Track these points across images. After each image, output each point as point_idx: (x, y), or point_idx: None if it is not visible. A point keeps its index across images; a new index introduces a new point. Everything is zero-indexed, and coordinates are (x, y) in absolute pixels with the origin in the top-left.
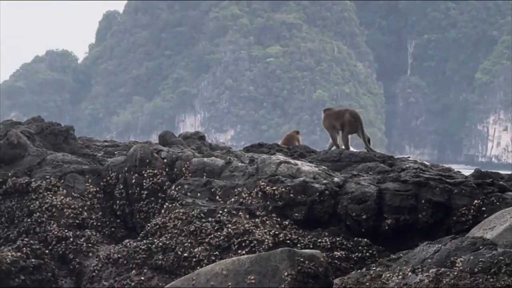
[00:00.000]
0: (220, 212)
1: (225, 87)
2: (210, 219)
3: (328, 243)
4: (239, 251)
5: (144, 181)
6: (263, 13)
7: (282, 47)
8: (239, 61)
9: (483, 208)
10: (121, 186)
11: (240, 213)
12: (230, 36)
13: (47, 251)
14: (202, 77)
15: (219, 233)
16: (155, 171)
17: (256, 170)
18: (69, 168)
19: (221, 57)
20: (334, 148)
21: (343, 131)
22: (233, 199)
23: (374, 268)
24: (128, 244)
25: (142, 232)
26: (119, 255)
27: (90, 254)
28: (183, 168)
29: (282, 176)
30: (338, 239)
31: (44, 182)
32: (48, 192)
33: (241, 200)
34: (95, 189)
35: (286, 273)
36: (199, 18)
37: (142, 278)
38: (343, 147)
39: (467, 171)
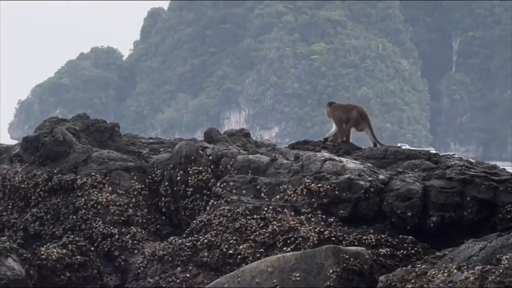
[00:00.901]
0: (265, 209)
1: (269, 84)
2: (255, 216)
3: (373, 240)
4: (284, 248)
5: (189, 178)
6: (307, 10)
7: (326, 44)
8: (283, 58)
9: None
10: (166, 183)
11: (285, 210)
12: (275, 33)
13: (92, 248)
14: (247, 74)
15: (264, 230)
16: (200, 168)
17: (301, 167)
18: (115, 165)
19: (266, 54)
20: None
21: (347, 125)
22: (278, 196)
23: (419, 265)
24: (173, 241)
25: (187, 229)
26: (164, 252)
27: (135, 251)
28: (228, 165)
29: (327, 173)
30: (383, 236)
31: (89, 179)
32: (94, 189)
33: (286, 197)
34: (140, 186)
35: (331, 270)
36: (244, 15)
37: (187, 275)
38: (344, 138)
39: None
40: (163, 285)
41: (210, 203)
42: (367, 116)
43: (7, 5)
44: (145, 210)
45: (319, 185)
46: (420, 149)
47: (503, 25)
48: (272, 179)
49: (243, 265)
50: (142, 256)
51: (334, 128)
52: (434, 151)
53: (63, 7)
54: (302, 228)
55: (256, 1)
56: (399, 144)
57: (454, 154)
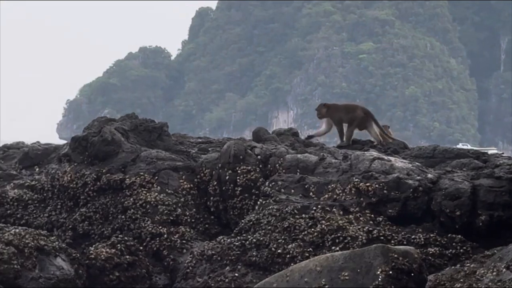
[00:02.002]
0: (314, 208)
1: (317, 83)
2: (303, 215)
3: (422, 239)
4: (333, 248)
5: (238, 177)
6: (355, 10)
7: (374, 44)
8: (331, 57)
9: None
10: (215, 183)
11: (334, 209)
12: (323, 33)
13: (141, 248)
14: (295, 74)
15: (312, 229)
16: (249, 167)
17: (350, 166)
18: (163, 164)
19: (314, 54)
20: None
21: (351, 126)
22: (326, 196)
23: (468, 264)
24: (222, 240)
25: (236, 229)
26: (213, 252)
27: (184, 250)
28: (277, 165)
29: (375, 172)
30: (431, 235)
31: (138, 178)
32: (142, 189)
33: (335, 196)
34: (189, 185)
35: (380, 270)
36: (292, 14)
37: (236, 274)
38: (345, 140)
39: None
40: (212, 285)
41: (258, 203)
42: (372, 114)
43: (53, 5)
44: (194, 209)
45: (368, 184)
46: (482, 149)
47: None
48: (320, 178)
49: (292, 264)
50: (191, 255)
51: (324, 127)
52: (495, 151)
53: (111, 7)
54: (351, 227)
55: (304, 1)
56: (460, 144)
57: (502, 153)
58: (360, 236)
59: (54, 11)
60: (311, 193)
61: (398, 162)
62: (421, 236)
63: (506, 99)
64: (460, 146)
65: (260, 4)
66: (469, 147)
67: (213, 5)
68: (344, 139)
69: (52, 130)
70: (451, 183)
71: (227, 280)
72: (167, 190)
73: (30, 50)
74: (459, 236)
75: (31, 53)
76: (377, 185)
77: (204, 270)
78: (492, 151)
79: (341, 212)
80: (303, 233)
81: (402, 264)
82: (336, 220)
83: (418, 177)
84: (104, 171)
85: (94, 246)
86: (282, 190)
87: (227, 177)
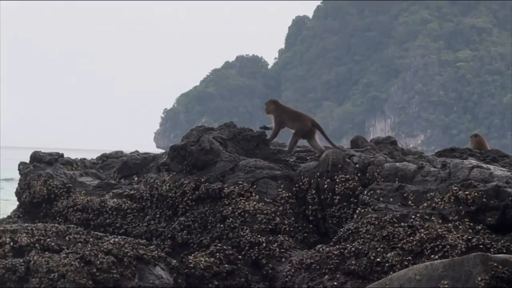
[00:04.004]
0: (413, 217)
1: (415, 91)
2: (402, 224)
3: None
4: (432, 256)
5: (336, 186)
6: (452, 17)
7: (472, 51)
8: (428, 65)
9: None
10: (314, 192)
11: (433, 218)
12: (420, 41)
13: (240, 257)
14: (392, 82)
15: (411, 238)
16: (347, 176)
17: (449, 174)
18: (262, 173)
19: (411, 62)
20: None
21: (296, 135)
22: (425, 204)
23: None
24: (320, 249)
25: (335, 237)
26: (312, 260)
27: (283, 259)
28: (375, 173)
29: (474, 180)
30: None
31: (236, 187)
32: (241, 198)
33: (434, 205)
34: (287, 194)
35: (479, 278)
36: (389, 22)
37: (335, 283)
38: (288, 148)
39: None
40: None
41: (357, 211)
42: (321, 128)
43: (149, 16)
44: (292, 218)
45: (467, 192)
46: None
47: None
48: (419, 187)
49: (391, 273)
50: (290, 264)
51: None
52: None
53: (208, 16)
54: (450, 236)
55: (401, 9)
56: None
57: None
58: (459, 245)
59: (150, 21)
60: (409, 202)
61: (497, 170)
62: None
63: None
64: None
65: (356, 12)
66: None
67: (310, 13)
68: (288, 147)
69: (150, 139)
70: None
71: None
72: (265, 199)
73: (129, 61)
74: None
75: (128, 63)
76: (476, 194)
77: (303, 278)
78: None
79: (440, 221)
80: (402, 242)
81: (502, 273)
82: (435, 228)
83: None
84: (202, 180)
85: (193, 255)
86: (381, 198)
87: (325, 186)
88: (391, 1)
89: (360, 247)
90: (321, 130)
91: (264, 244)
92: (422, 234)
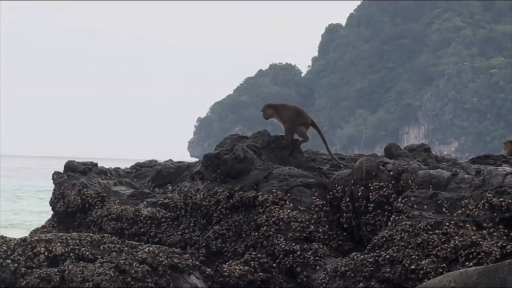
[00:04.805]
0: (447, 224)
1: (448, 99)
2: (437, 231)
3: None
4: (466, 263)
5: (371, 193)
6: (485, 24)
7: (505, 58)
8: (462, 72)
9: None
10: (348, 199)
11: (467, 225)
12: (453, 48)
13: (274, 265)
14: (425, 89)
15: (446, 245)
16: (381, 183)
17: (483, 181)
18: (296, 181)
19: (444, 69)
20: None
21: (299, 128)
22: (459, 211)
23: None
24: (355, 257)
25: (369, 245)
26: (346, 268)
27: (318, 267)
28: (409, 180)
29: (508, 187)
30: None
31: (271, 196)
32: (275, 206)
33: (468, 212)
34: (321, 202)
35: None
36: (422, 30)
37: None
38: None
39: None
40: None
41: (391, 219)
42: (319, 128)
43: (184, 27)
44: (327, 226)
45: (501, 199)
46: None
47: None
48: (453, 194)
49: (425, 280)
50: (324, 272)
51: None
52: None
53: (241, 25)
54: (484, 243)
55: (433, 16)
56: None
57: None
58: (494, 252)
59: (182, 31)
60: (444, 209)
61: None
62: None
63: None
64: None
65: (389, 20)
66: None
67: (343, 21)
68: (301, 137)
69: (183, 148)
70: None
71: None
72: (299, 207)
73: (163, 70)
74: None
75: (162, 72)
76: (510, 200)
77: (338, 286)
78: None
79: (474, 228)
80: (436, 249)
81: None
82: (469, 235)
83: None
84: (236, 188)
85: (227, 263)
86: (415, 206)
87: (359, 194)
88: (423, 8)
89: (394, 255)
90: (318, 131)
91: (298, 252)
92: (457, 241)
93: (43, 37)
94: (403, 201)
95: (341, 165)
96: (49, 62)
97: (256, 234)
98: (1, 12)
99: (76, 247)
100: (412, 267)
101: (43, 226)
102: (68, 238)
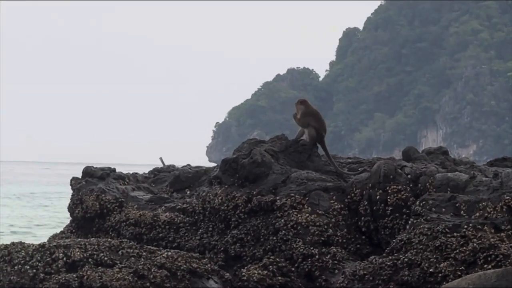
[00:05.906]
0: (465, 227)
1: (466, 102)
2: (455, 234)
3: None
4: (485, 266)
5: (389, 197)
6: (503, 27)
7: None
8: (480, 75)
9: None
10: (366, 203)
11: (485, 227)
12: (471, 51)
13: (293, 269)
14: (443, 93)
15: (464, 248)
16: (399, 187)
17: (500, 184)
18: (314, 185)
19: (462, 72)
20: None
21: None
22: (477, 214)
23: None
24: (373, 260)
25: (387, 248)
26: (365, 272)
27: (336, 271)
28: (427, 184)
29: None
30: None
31: (289, 200)
32: (293, 210)
33: (486, 214)
34: (339, 206)
35: None
36: (439, 33)
37: None
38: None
39: None
40: None
41: (409, 222)
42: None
43: (204, 32)
44: (345, 230)
45: None
46: None
47: None
48: (471, 197)
49: (444, 283)
50: (343, 275)
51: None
52: None
53: (259, 30)
54: (503, 245)
55: (451, 19)
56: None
57: None
58: None
59: (199, 36)
60: (462, 212)
61: None
62: None
63: None
64: None
65: (407, 23)
66: None
67: (360, 25)
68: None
69: (202, 152)
70: None
71: None
72: (318, 210)
73: (180, 76)
74: None
75: (179, 78)
76: None
77: None
78: None
79: (493, 230)
80: (455, 252)
81: None
82: (487, 238)
83: None
84: (254, 193)
85: (246, 267)
86: (433, 209)
87: (377, 197)
88: (440, 11)
89: (413, 258)
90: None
91: (317, 256)
92: (475, 244)
93: (43, 37)
94: (421, 204)
95: (344, 174)
96: (58, 62)
97: (275, 238)
98: (1, 12)
99: (95, 252)
100: (431, 270)
101: (62, 232)
102: (87, 244)
